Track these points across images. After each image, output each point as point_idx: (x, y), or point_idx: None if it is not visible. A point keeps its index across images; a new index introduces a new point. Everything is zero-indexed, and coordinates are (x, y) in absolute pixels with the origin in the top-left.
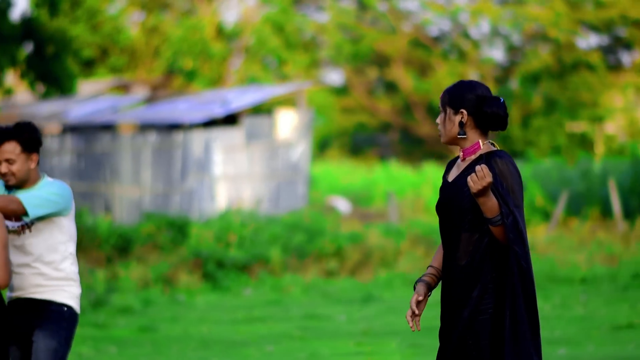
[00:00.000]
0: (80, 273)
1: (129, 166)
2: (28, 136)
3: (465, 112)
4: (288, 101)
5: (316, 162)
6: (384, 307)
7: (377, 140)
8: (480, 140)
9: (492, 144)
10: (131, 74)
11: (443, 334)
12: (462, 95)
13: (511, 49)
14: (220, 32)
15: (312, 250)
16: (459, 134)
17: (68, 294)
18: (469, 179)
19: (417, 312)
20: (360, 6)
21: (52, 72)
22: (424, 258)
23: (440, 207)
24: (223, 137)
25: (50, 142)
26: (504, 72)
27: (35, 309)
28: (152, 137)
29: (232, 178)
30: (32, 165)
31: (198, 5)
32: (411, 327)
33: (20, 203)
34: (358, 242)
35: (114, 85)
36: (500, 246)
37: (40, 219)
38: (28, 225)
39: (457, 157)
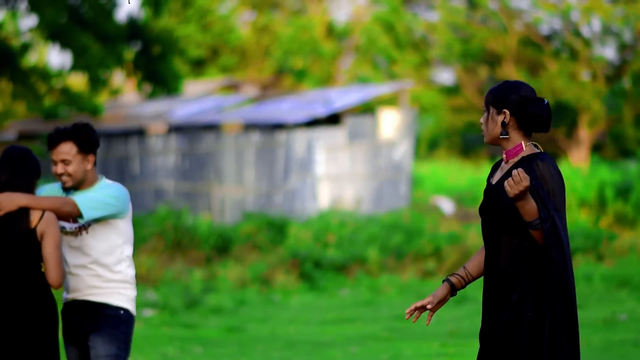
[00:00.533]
0: (179, 273)
1: (232, 166)
2: (85, 137)
3: (507, 112)
4: (392, 100)
5: (424, 161)
6: (475, 308)
7: None
8: (522, 142)
9: (535, 145)
10: (241, 74)
11: (483, 336)
12: (505, 95)
13: (623, 47)
14: (331, 31)
15: (410, 250)
16: (501, 134)
17: (124, 296)
18: (505, 183)
19: (429, 307)
20: (470, 5)
21: (158, 72)
22: None
23: (483, 210)
24: (326, 136)
25: (154, 142)
26: (616, 71)
27: (91, 311)
28: (256, 137)
29: (334, 178)
30: (89, 166)
31: (308, 4)
32: (406, 317)
33: (75, 205)
34: (457, 242)
35: (224, 85)
36: (541, 250)
37: (97, 221)
38: (85, 227)
39: (502, 160)
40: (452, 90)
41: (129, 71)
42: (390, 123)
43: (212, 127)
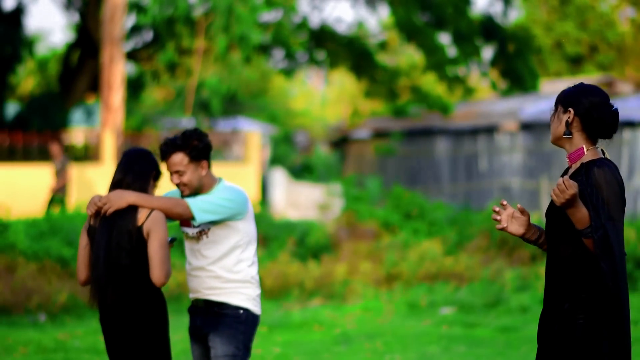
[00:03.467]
0: (498, 272)
1: None
2: (195, 145)
3: (572, 111)
4: None
5: None
6: None
7: None
8: (584, 146)
9: (602, 151)
10: (619, 71)
11: (539, 346)
12: (576, 96)
13: None
14: None
15: None
16: (564, 134)
17: (244, 296)
18: (552, 191)
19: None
20: None
21: (515, 70)
22: None
23: (547, 214)
24: None
25: (503, 140)
26: None
27: (211, 311)
28: None
29: None
30: (203, 172)
31: None
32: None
33: (187, 207)
34: None
35: (599, 82)
36: (594, 260)
37: (215, 223)
38: (205, 231)
39: (570, 167)
40: None
41: (484, 69)
42: None
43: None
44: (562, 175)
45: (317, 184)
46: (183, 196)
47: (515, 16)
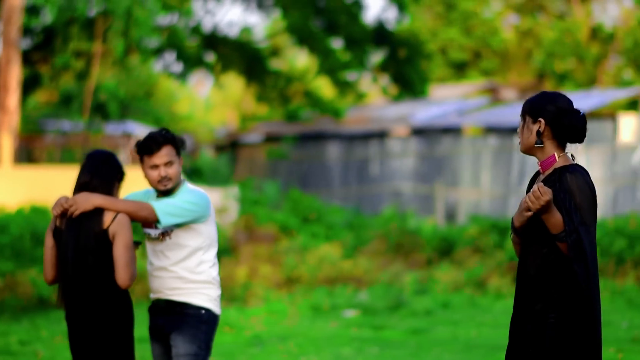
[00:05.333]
0: (396, 275)
1: (469, 169)
2: (178, 140)
3: (543, 121)
4: (634, 105)
5: None
6: None
7: None
8: (555, 153)
9: (571, 156)
10: (502, 77)
11: (509, 345)
12: (542, 105)
13: None
14: (595, 34)
15: (631, 256)
16: (536, 143)
17: (206, 296)
18: (527, 198)
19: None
20: None
21: (405, 75)
22: None
23: None
24: None
25: (394, 145)
26: None
27: (173, 311)
28: (493, 140)
29: None
30: (180, 169)
31: (573, 7)
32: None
33: (152, 210)
34: None
35: (483, 88)
36: (567, 262)
37: (178, 226)
38: (168, 233)
39: (539, 171)
40: None
41: (375, 74)
42: (630, 128)
43: (451, 131)
44: (532, 180)
45: (213, 187)
46: (164, 191)
47: (402, 22)
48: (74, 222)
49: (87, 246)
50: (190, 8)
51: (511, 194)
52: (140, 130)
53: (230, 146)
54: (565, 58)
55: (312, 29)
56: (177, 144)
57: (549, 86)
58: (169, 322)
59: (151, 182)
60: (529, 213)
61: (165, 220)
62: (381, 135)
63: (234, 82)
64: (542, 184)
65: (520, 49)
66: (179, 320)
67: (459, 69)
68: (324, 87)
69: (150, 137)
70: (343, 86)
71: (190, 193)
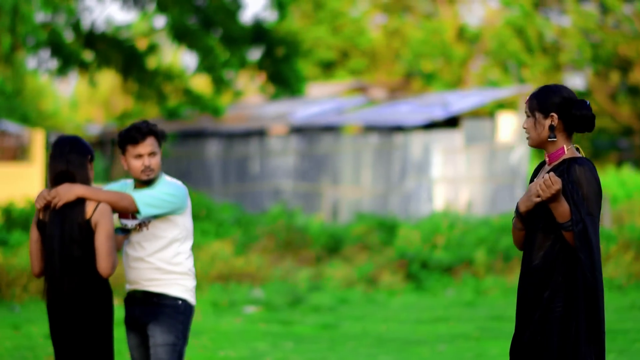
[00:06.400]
0: (287, 272)
1: (349, 167)
2: (161, 132)
3: (556, 115)
4: (512, 104)
5: None
6: None
7: (618, 144)
8: (564, 146)
9: (577, 149)
10: (370, 77)
11: (516, 333)
12: (551, 99)
13: None
14: (461, 34)
15: (517, 252)
16: (549, 137)
17: (183, 287)
18: (537, 186)
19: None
20: (603, 9)
21: (282, 73)
22: (633, 262)
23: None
24: (443, 139)
25: (275, 143)
26: None
27: (150, 301)
28: (374, 139)
29: (450, 180)
30: (160, 161)
31: (440, 8)
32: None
33: (132, 201)
34: None
35: (352, 88)
36: (573, 251)
37: (156, 217)
38: (145, 224)
39: (545, 162)
40: (582, 96)
41: (252, 73)
42: (508, 127)
43: (331, 129)
44: (537, 170)
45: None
46: (146, 181)
47: (281, 21)
48: (58, 213)
49: (72, 236)
50: (72, 5)
51: (392, 191)
52: (8, 127)
53: (100, 144)
54: (432, 58)
55: (190, 26)
56: (159, 136)
57: (416, 86)
58: (146, 313)
59: (134, 172)
60: (538, 199)
61: (145, 211)
62: (261, 133)
63: (102, 80)
64: (552, 173)
65: (388, 49)
66: (156, 310)
67: (327, 68)
68: (203, 85)
69: (135, 128)
70: (221, 84)
71: (168, 185)
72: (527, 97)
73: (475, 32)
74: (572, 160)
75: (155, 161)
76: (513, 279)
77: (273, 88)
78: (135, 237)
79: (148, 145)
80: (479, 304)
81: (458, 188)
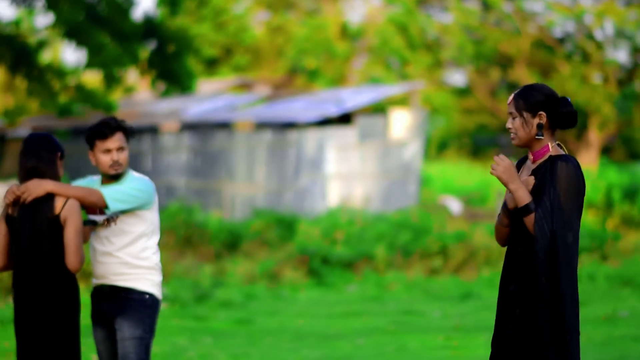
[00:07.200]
0: (189, 268)
1: (243, 164)
2: (129, 127)
3: (544, 114)
4: (403, 101)
5: (433, 162)
6: (480, 305)
7: (498, 141)
8: (549, 143)
9: (560, 146)
10: (254, 73)
11: (498, 327)
12: (537, 98)
13: (635, 51)
14: (344, 32)
15: (417, 248)
16: (537, 135)
17: (150, 282)
18: (493, 165)
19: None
20: (484, 7)
21: (172, 70)
22: None
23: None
24: (337, 136)
25: (167, 140)
26: (628, 74)
27: (118, 296)
28: (267, 136)
29: (344, 176)
30: (128, 156)
31: (323, 5)
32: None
33: (101, 196)
34: (463, 241)
35: (236, 84)
36: (555, 251)
37: (124, 212)
38: (113, 219)
39: (526, 157)
40: (463, 92)
41: (143, 69)
42: (401, 123)
43: (224, 126)
44: (520, 164)
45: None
46: (114, 176)
47: (174, 17)
48: (27, 208)
49: (41, 231)
50: None
51: (287, 188)
52: None
53: None
54: (315, 55)
55: (81, 22)
56: (127, 131)
57: (299, 82)
58: (113, 307)
59: (102, 167)
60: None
61: (113, 206)
62: (153, 130)
63: None
64: (503, 155)
65: (271, 46)
66: (123, 305)
67: (211, 65)
68: (95, 82)
69: (103, 123)
70: (112, 81)
71: (136, 180)
72: (511, 98)
73: (358, 29)
74: (557, 157)
75: (123, 156)
76: (413, 274)
77: (163, 85)
78: (103, 232)
79: (116, 140)
80: (385, 299)
81: (352, 184)
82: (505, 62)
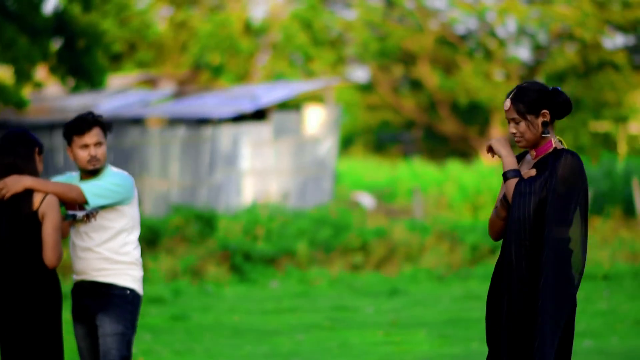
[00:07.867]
0: None
1: (157, 160)
2: (106, 124)
3: (547, 111)
4: (315, 97)
5: (341, 158)
6: (410, 300)
7: (401, 137)
8: (552, 139)
9: (561, 141)
10: (158, 69)
11: (490, 318)
12: (534, 97)
13: (537, 48)
14: (248, 28)
15: (338, 244)
16: (542, 134)
17: (131, 277)
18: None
19: None
20: (387, 4)
21: (82, 65)
22: (449, 253)
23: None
24: (251, 132)
25: None
26: (530, 71)
27: (99, 291)
28: (181, 132)
29: (259, 173)
30: (106, 151)
31: (227, 1)
32: None
33: (81, 192)
34: (383, 237)
35: (141, 80)
36: (557, 242)
37: (103, 207)
38: (93, 214)
39: (525, 152)
40: (366, 88)
41: (52, 64)
42: (315, 120)
43: (137, 122)
44: (519, 159)
45: None
46: (92, 171)
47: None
48: (5, 204)
49: (19, 228)
50: None
51: (201, 184)
52: None
53: None
54: (219, 51)
55: None
56: (104, 126)
57: (204, 78)
58: (94, 303)
59: (80, 162)
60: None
61: (93, 201)
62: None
63: None
64: (501, 137)
65: (175, 41)
66: (104, 300)
67: (115, 61)
68: (5, 77)
69: (80, 118)
70: (22, 76)
71: (115, 175)
72: (509, 104)
73: (262, 25)
74: (562, 150)
75: (101, 151)
76: (336, 270)
77: (73, 80)
78: (83, 227)
79: (94, 135)
80: (312, 295)
81: (267, 180)
82: (408, 59)
